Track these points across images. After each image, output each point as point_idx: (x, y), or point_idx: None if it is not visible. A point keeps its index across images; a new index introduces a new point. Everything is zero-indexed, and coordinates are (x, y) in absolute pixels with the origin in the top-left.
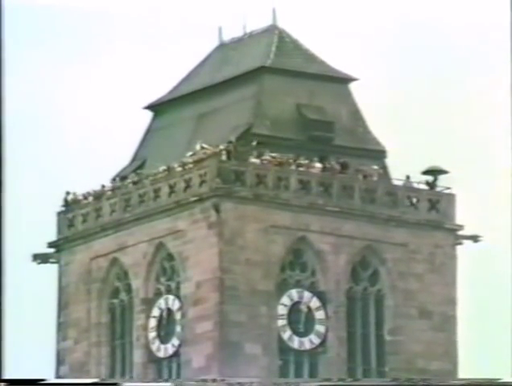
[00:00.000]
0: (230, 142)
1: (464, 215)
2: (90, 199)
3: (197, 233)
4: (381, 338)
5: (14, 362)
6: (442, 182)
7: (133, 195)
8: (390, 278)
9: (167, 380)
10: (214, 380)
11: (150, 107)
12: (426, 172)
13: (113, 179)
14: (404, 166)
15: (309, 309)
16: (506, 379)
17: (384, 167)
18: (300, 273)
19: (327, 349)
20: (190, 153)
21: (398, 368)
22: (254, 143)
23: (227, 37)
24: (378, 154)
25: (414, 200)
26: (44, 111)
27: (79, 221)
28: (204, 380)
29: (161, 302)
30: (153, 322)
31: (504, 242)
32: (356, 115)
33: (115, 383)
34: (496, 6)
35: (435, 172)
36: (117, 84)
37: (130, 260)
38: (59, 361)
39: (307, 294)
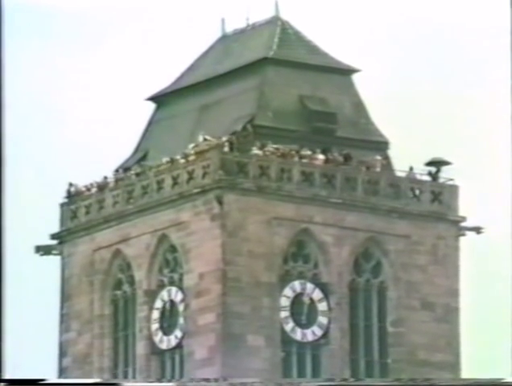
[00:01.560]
0: (233, 133)
1: (467, 207)
2: (93, 190)
3: (200, 225)
4: (383, 329)
5: (16, 354)
6: (445, 173)
7: (136, 186)
8: (393, 270)
9: (170, 380)
10: (216, 380)
11: (152, 98)
12: (429, 163)
13: (116, 171)
14: (407, 157)
15: (312, 300)
16: (507, 378)
17: (387, 159)
18: (303, 264)
19: (329, 341)
20: (193, 144)
21: (400, 360)
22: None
23: (230, 28)
24: (381, 146)
25: (417, 192)
26: (46, 102)
27: (82, 213)
28: (207, 380)
29: (164, 294)
30: (156, 314)
31: (507, 233)
32: (359, 106)
33: (116, 384)
34: (497, 3)
35: (438, 163)
36: (119, 76)
37: (132, 252)
38: (62, 353)
39: (309, 286)
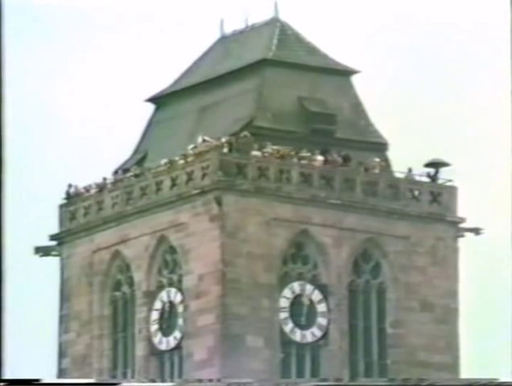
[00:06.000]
0: (233, 135)
1: (466, 208)
2: (92, 191)
3: (199, 226)
4: (382, 331)
5: (15, 354)
6: (444, 174)
7: (135, 187)
8: (392, 271)
9: (164, 381)
10: (211, 380)
11: (152, 99)
12: (428, 165)
13: (115, 172)
14: (406, 158)
15: (311, 302)
16: (506, 378)
17: (386, 160)
18: (302, 265)
19: (329, 342)
20: (192, 145)
21: (399, 361)
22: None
23: (229, 29)
24: (380, 147)
25: (416, 193)
26: (46, 104)
27: (81, 214)
28: (200, 381)
29: (163, 295)
30: (155, 315)
31: (505, 234)
32: (358, 108)
33: (115, 384)
34: (497, 3)
35: (436, 165)
36: (119, 77)
37: (132, 253)
38: (61, 354)
39: (309, 287)
